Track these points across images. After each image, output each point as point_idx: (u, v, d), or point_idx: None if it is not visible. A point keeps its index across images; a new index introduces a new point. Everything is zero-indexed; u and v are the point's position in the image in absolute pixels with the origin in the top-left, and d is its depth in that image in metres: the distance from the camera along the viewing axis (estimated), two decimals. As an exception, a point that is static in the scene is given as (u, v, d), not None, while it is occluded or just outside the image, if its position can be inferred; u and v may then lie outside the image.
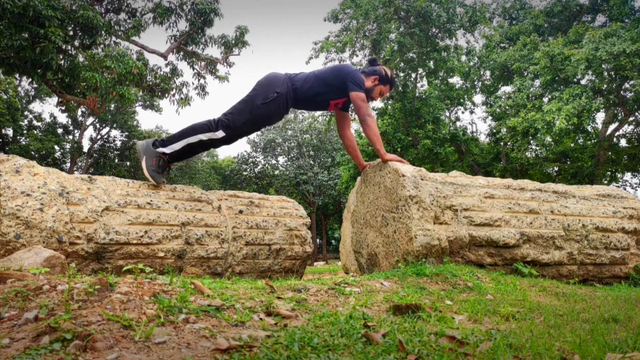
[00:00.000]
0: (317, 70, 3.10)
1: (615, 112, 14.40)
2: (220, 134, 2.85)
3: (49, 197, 2.37)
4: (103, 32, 9.66)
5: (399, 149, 15.81)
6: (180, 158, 3.01)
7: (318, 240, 30.24)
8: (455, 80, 17.93)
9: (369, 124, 2.91)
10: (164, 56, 11.65)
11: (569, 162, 16.62)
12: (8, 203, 2.25)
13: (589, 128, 15.10)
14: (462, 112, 19.12)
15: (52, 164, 21.65)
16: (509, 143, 15.68)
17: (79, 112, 22.30)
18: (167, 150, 2.88)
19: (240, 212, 3.10)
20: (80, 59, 9.77)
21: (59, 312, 1.22)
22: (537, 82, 14.27)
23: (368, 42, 15.64)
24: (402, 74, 16.31)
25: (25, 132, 21.41)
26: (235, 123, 2.85)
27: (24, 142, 21.05)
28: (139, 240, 2.57)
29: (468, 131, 17.78)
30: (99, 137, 23.75)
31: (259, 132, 30.67)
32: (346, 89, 2.94)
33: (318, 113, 24.32)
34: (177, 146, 2.88)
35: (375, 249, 3.04)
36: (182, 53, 12.06)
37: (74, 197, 2.47)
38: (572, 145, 16.74)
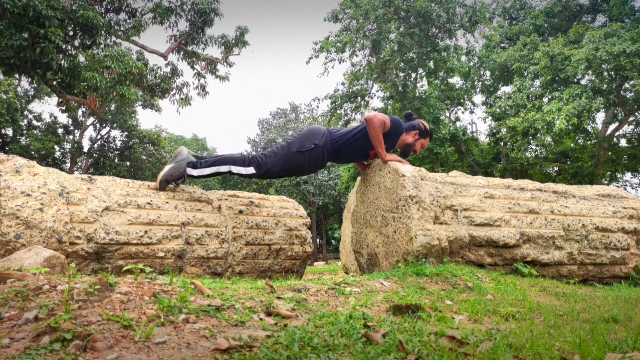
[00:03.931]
0: (355, 125, 3.16)
1: (615, 112, 14.41)
2: (250, 170, 2.93)
3: (49, 197, 2.37)
4: (103, 32, 9.66)
5: (399, 150, 15.79)
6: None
7: (318, 240, 30.23)
8: (455, 80, 17.94)
9: (374, 124, 2.93)
10: (164, 56, 11.65)
11: (569, 162, 16.62)
12: (8, 203, 2.25)
13: (589, 128, 15.11)
14: (462, 112, 19.13)
15: (52, 164, 21.65)
16: (509, 143, 15.68)
17: (79, 112, 22.30)
18: (196, 173, 2.93)
19: (240, 212, 3.10)
20: (81, 59, 9.77)
21: (59, 312, 1.22)
22: (537, 82, 14.28)
23: (368, 42, 15.64)
24: (402, 74, 16.31)
25: (25, 132, 21.41)
26: (267, 164, 2.93)
27: (24, 142, 21.05)
28: (139, 240, 2.57)
29: (468, 131, 17.78)
30: (99, 137, 23.75)
31: (258, 132, 30.69)
32: (386, 136, 2.99)
33: (318, 113, 24.32)
34: (206, 172, 2.94)
35: (375, 249, 3.04)
36: (182, 53, 12.06)
37: (74, 197, 2.47)
38: (572, 145, 16.74)
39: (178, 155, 2.95)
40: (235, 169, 2.92)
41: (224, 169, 2.93)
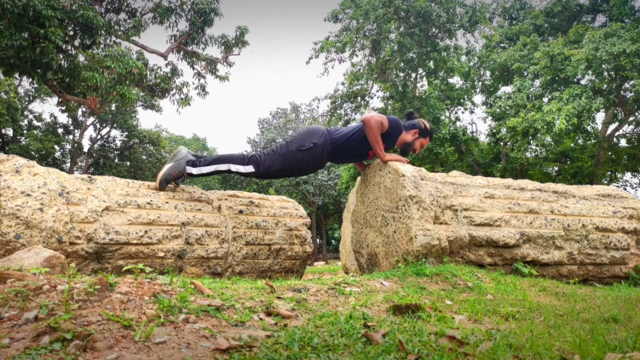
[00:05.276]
0: (354, 125, 3.16)
1: (615, 112, 14.41)
2: (249, 168, 2.94)
3: (49, 197, 2.37)
4: (103, 32, 9.65)
5: (398, 149, 15.79)
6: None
7: (318, 240, 30.23)
8: (455, 80, 17.93)
9: (371, 125, 2.92)
10: (164, 56, 11.65)
11: (569, 162, 16.62)
12: (8, 203, 2.25)
13: (589, 128, 15.11)
14: (462, 112, 19.13)
15: (52, 164, 21.63)
16: (509, 143, 15.68)
17: (79, 112, 22.30)
18: (195, 171, 2.94)
19: (240, 212, 3.10)
20: (81, 59, 9.77)
21: (59, 312, 1.22)
22: (537, 82, 14.27)
23: (368, 42, 15.65)
24: (402, 74, 16.31)
25: (25, 132, 21.40)
26: (266, 162, 2.94)
27: (24, 142, 21.04)
28: (139, 240, 2.57)
29: (468, 131, 17.77)
30: (99, 137, 23.75)
31: (258, 132, 30.69)
32: (384, 136, 2.99)
33: (318, 113, 24.35)
34: (205, 170, 2.95)
35: (375, 249, 3.04)
36: (182, 53, 12.06)
37: (74, 197, 2.47)
38: (572, 145, 16.74)
39: (177, 154, 2.96)
40: (234, 168, 2.93)
41: (223, 167, 2.94)
